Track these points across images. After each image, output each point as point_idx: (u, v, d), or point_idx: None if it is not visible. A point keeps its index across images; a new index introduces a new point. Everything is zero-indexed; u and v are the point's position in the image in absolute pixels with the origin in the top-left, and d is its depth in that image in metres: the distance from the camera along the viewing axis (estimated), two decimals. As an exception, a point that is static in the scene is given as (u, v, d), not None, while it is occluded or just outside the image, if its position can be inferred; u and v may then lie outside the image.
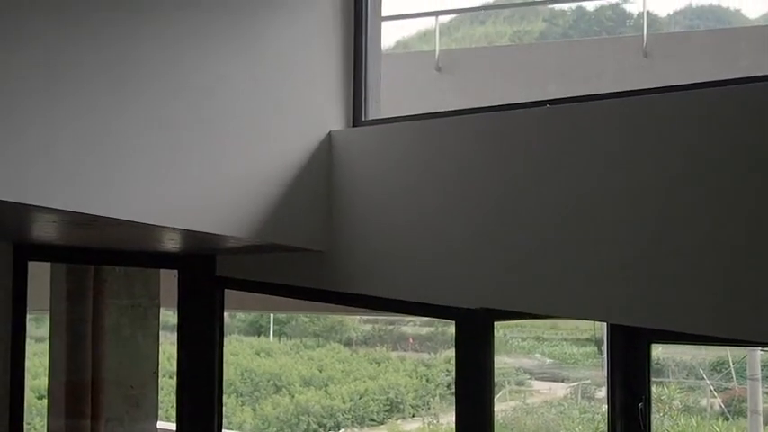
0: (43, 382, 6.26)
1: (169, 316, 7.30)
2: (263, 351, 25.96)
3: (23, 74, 3.08)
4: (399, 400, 23.01)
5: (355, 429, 22.31)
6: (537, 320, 5.37)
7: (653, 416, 4.27)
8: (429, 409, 22.76)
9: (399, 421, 22.69)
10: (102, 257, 5.18)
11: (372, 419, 22.50)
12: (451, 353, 4.28)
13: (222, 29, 4.00)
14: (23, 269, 4.66)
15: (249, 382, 23.60)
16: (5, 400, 4.61)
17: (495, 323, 4.28)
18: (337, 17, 4.65)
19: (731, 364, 20.62)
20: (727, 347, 17.13)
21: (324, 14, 4.60)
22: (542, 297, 3.90)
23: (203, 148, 3.89)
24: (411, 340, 26.94)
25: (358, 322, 26.47)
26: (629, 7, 28.51)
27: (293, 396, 22.81)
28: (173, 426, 5.49)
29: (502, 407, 21.06)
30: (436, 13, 9.50)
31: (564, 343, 25.96)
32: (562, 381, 24.39)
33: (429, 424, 21.91)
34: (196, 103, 3.85)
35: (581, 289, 3.76)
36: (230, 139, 4.04)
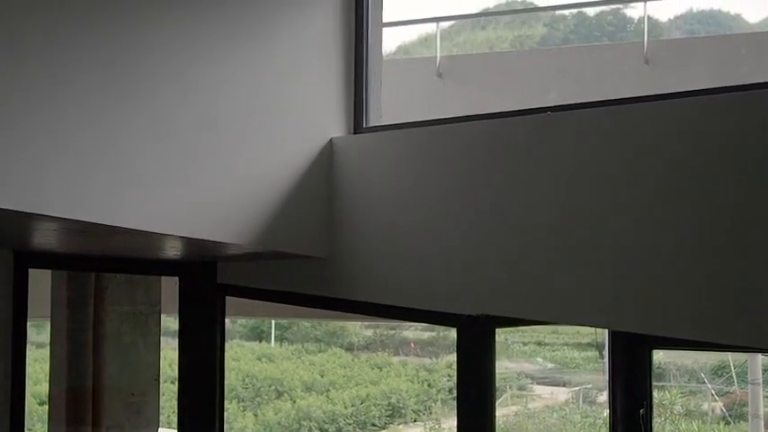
0: (44, 388, 6.26)
1: (170, 321, 7.30)
2: (264, 356, 25.94)
3: (25, 82, 3.08)
4: (401, 405, 22.99)
5: (357, 434, 22.31)
6: (538, 325, 5.37)
7: (654, 420, 4.27)
8: (431, 414, 22.73)
9: (401, 426, 22.67)
10: (102, 265, 5.18)
11: (374, 424, 22.47)
12: (453, 358, 4.28)
13: (223, 37, 4.01)
14: (24, 276, 4.66)
15: (251, 387, 23.58)
16: (6, 406, 4.61)
17: (497, 329, 4.28)
18: (338, 24, 4.65)
19: (732, 368, 20.61)
20: (729, 352, 17.12)
21: (325, 21, 4.60)
22: (543, 304, 3.90)
23: (204, 155, 3.90)
24: (413, 345, 26.93)
25: (359, 327, 26.46)
26: (629, 12, 28.56)
27: (295, 401, 22.79)
28: (174, 432, 5.49)
29: (503, 412, 21.03)
30: (437, 20, 9.50)
31: (565, 347, 25.95)
32: (563, 385, 24.37)
33: (431, 429, 21.89)
34: (197, 110, 3.86)
35: (582, 296, 3.76)
36: (231, 147, 4.04)
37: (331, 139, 4.55)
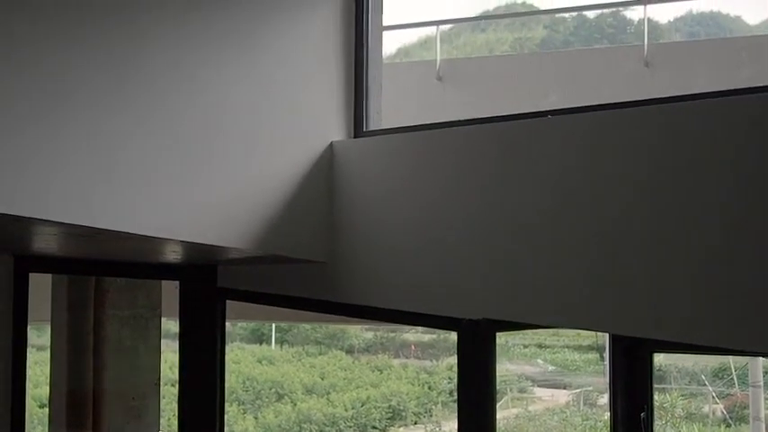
0: (45, 391, 6.26)
1: (171, 323, 7.31)
2: (264, 359, 25.94)
3: (28, 89, 3.08)
4: (401, 408, 22.97)
5: (357, 437, 22.30)
6: (539, 329, 5.36)
7: (655, 423, 4.27)
8: (431, 416, 22.71)
9: (401, 429, 22.66)
10: (103, 269, 5.18)
11: (374, 427, 22.45)
12: (453, 360, 4.30)
13: (223, 42, 4.01)
14: (24, 280, 4.66)
15: (251, 390, 23.57)
16: (7, 410, 4.60)
17: (497, 333, 4.28)
18: (339, 28, 4.65)
19: (733, 370, 20.60)
20: (729, 355, 17.11)
21: (325, 25, 4.61)
22: (544, 308, 3.89)
23: (205, 160, 3.90)
24: (413, 347, 26.94)
25: (360, 330, 26.44)
26: (629, 14, 28.55)
27: (295, 404, 22.78)
28: (174, 435, 5.49)
29: (504, 414, 21.03)
30: (437, 23, 9.50)
31: (566, 350, 25.96)
32: (564, 388, 24.37)
33: (431, 431, 21.88)
34: (198, 116, 3.86)
35: (583, 300, 3.75)
36: (231, 151, 4.04)
37: (331, 143, 4.55)
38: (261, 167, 4.20)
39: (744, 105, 3.46)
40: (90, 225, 3.39)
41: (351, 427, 22.23)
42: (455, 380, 4.43)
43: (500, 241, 4.00)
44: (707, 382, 20.98)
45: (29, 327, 4.77)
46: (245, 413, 22.60)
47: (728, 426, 19.66)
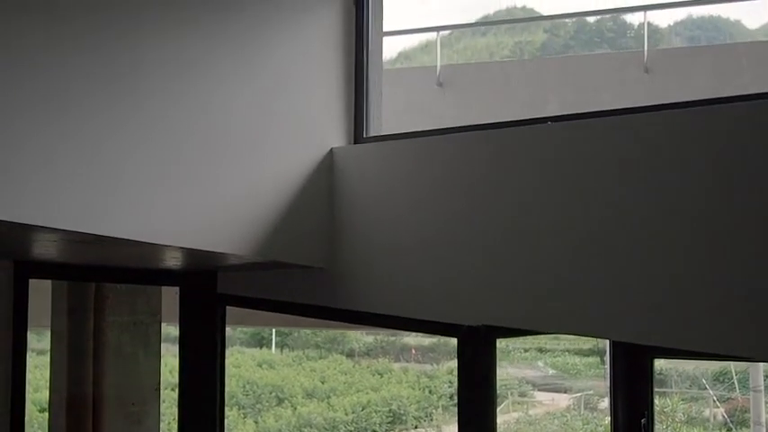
0: (45, 395, 6.26)
1: (171, 328, 7.30)
2: (265, 363, 25.91)
3: (25, 97, 3.08)
4: (402, 412, 22.94)
5: (358, 441, 22.28)
6: (539, 334, 5.38)
7: (656, 427, 4.26)
8: (432, 420, 22.69)
9: (402, 433, 22.65)
10: (103, 275, 5.18)
11: (375, 431, 22.43)
12: (454, 364, 4.29)
13: (223, 48, 4.01)
14: (24, 286, 4.65)
15: (251, 394, 23.54)
16: (6, 417, 4.60)
17: (497, 339, 4.28)
18: (338, 34, 4.65)
19: (734, 374, 20.58)
20: (730, 361, 17.09)
21: (325, 32, 4.61)
22: (544, 314, 3.89)
23: (205, 166, 3.89)
24: (413, 351, 26.91)
25: (360, 334, 26.42)
26: (629, 18, 28.54)
27: (295, 408, 22.74)
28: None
29: (504, 418, 21.01)
30: (437, 29, 9.50)
31: (566, 353, 25.93)
32: (565, 391, 24.34)
33: (432, 435, 21.88)
34: (197, 121, 3.86)
35: (582, 306, 3.75)
36: (231, 158, 4.04)
37: (331, 149, 4.55)
38: (261, 174, 4.20)
39: (744, 111, 3.46)
40: (90, 232, 3.38)
41: (351, 431, 22.21)
42: (456, 384, 4.43)
43: (500, 247, 4.00)
44: (708, 386, 20.96)
45: (28, 332, 4.76)
46: (245, 417, 22.57)
47: (729, 430, 19.63)
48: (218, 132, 3.97)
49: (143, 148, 3.58)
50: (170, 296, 5.48)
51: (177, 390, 5.22)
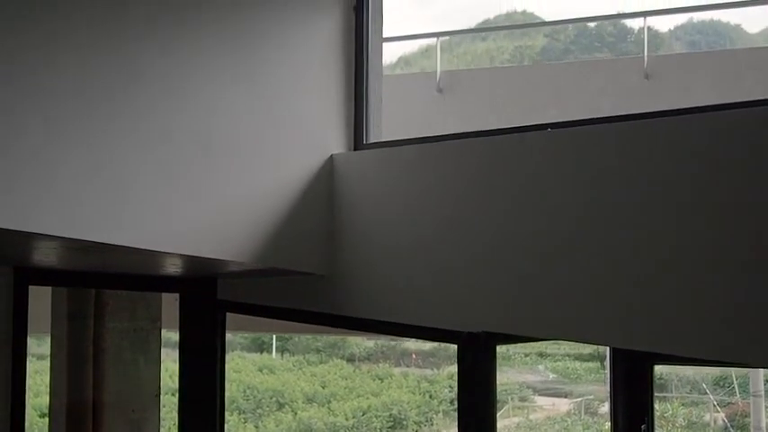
0: (45, 400, 6.26)
1: (171, 333, 7.30)
2: (265, 368, 25.91)
3: (24, 105, 3.08)
4: (402, 417, 22.94)
5: (358, 446, 22.25)
6: (539, 341, 5.39)
7: (656, 432, 4.26)
8: (432, 425, 22.69)
9: (402, 437, 22.64)
10: (103, 281, 5.17)
11: (375, 436, 22.44)
12: (454, 368, 4.28)
13: (222, 54, 4.01)
14: (24, 293, 4.65)
15: (252, 399, 23.54)
16: (6, 423, 4.59)
17: (498, 345, 4.27)
18: (338, 40, 4.66)
19: (734, 379, 20.57)
20: (731, 367, 17.09)
21: (325, 38, 4.61)
22: (544, 321, 3.89)
23: (204, 173, 3.89)
24: (414, 356, 26.90)
25: (361, 338, 26.41)
26: (629, 22, 28.58)
27: (296, 413, 22.75)
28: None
29: (505, 423, 21.01)
30: (437, 35, 9.50)
31: (567, 358, 25.92)
32: (565, 396, 24.34)
33: (432, 440, 21.87)
34: (197, 128, 3.86)
35: (583, 313, 3.74)
36: (231, 165, 4.04)
37: (331, 156, 4.55)
38: (260, 180, 4.20)
39: (745, 118, 3.46)
40: (90, 240, 3.38)
41: (352, 435, 22.21)
42: (456, 388, 4.42)
43: (500, 254, 4.00)
44: (708, 391, 20.96)
45: (28, 337, 4.76)
46: (245, 422, 22.57)
47: (729, 434, 19.64)
48: (218, 139, 3.97)
49: (143, 156, 3.58)
50: (170, 302, 5.48)
51: (177, 395, 5.22)
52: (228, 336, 5.28)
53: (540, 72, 9.63)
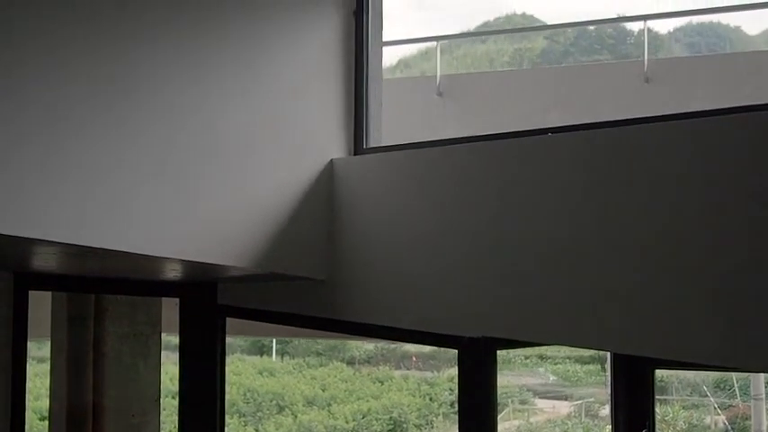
0: (45, 403, 6.26)
1: (172, 336, 7.30)
2: (265, 371, 25.88)
3: (22, 110, 3.08)
4: (403, 420, 22.90)
5: (359, 449, 22.24)
6: (540, 346, 5.40)
7: (657, 436, 4.26)
8: (432, 428, 22.65)
9: (403, 440, 22.61)
10: (103, 286, 5.17)
11: (376, 439, 22.41)
12: (455, 371, 4.29)
13: (223, 60, 4.01)
14: (24, 298, 4.64)
15: (252, 402, 23.51)
16: (6, 426, 4.59)
17: (498, 350, 4.27)
18: (338, 46, 4.65)
19: (735, 381, 20.55)
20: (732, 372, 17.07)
21: (325, 42, 4.61)
22: (544, 326, 3.88)
23: (204, 178, 3.89)
24: (414, 359, 26.86)
25: (361, 341, 26.36)
26: (629, 25, 28.56)
27: (296, 416, 22.72)
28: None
29: (505, 426, 20.97)
30: (437, 38, 9.50)
31: (567, 361, 25.88)
32: (566, 399, 24.30)
33: (433, 443, 21.84)
34: (196, 134, 3.85)
35: (583, 318, 3.74)
36: (231, 169, 4.03)
37: (331, 161, 4.54)
38: (260, 185, 4.19)
39: (746, 122, 3.45)
40: (89, 245, 3.38)
41: (352, 439, 22.19)
42: (456, 391, 4.41)
43: (500, 259, 3.99)
44: (708, 393, 20.93)
45: (28, 341, 4.76)
46: (245, 425, 22.55)
47: (730, 437, 19.62)
48: (217, 144, 3.97)
49: (141, 161, 3.57)
50: (170, 306, 5.47)
51: (178, 400, 5.21)
52: (228, 339, 5.27)
53: (541, 76, 9.62)
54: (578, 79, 8.26)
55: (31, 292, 4.69)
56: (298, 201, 4.35)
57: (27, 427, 4.84)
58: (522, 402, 24.10)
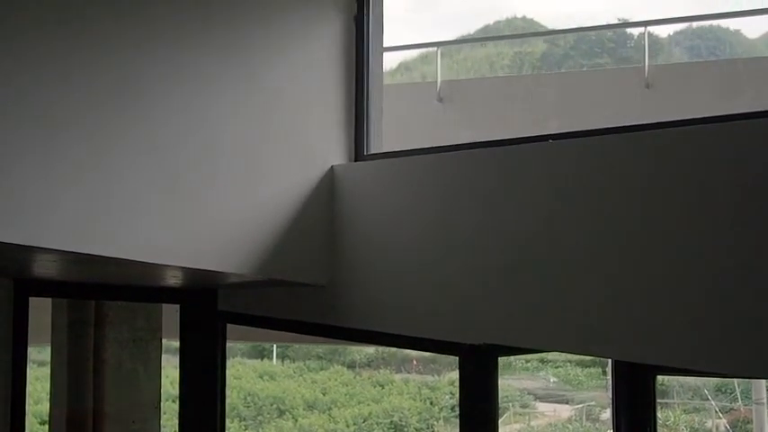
0: (45, 407, 6.25)
1: (172, 341, 7.30)
2: (266, 374, 25.87)
3: (21, 118, 3.07)
4: (404, 424, 22.89)
5: (359, 453, 22.21)
6: (541, 353, 5.41)
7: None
8: (433, 432, 22.65)
9: (404, 445, 22.59)
10: (103, 293, 5.16)
11: (376, 443, 22.39)
12: (455, 375, 4.29)
13: (222, 66, 4.00)
14: (24, 305, 4.64)
15: (252, 406, 23.51)
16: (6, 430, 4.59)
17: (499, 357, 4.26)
18: (339, 50, 4.65)
19: (736, 385, 20.54)
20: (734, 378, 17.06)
21: (326, 48, 4.60)
22: (545, 333, 3.87)
23: (205, 185, 3.88)
24: (415, 362, 26.85)
25: (361, 345, 26.36)
26: (629, 28, 28.59)
27: (296, 420, 22.71)
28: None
29: (506, 429, 20.96)
30: (437, 44, 9.51)
31: (568, 364, 25.87)
32: (567, 402, 24.29)
33: (433, 447, 21.82)
34: (198, 141, 3.85)
35: (584, 326, 3.73)
36: (231, 176, 4.03)
37: (332, 167, 4.54)
38: (261, 192, 4.19)
39: (748, 129, 3.45)
40: (89, 253, 3.37)
41: (353, 443, 22.17)
42: (457, 395, 4.40)
43: (501, 266, 3.98)
44: (710, 397, 20.92)
45: (29, 346, 4.75)
46: (246, 429, 22.55)
47: (732, 441, 19.61)
48: (217, 150, 3.96)
49: (142, 168, 3.57)
50: (170, 311, 5.47)
51: (178, 405, 5.20)
52: (228, 343, 5.27)
53: (541, 82, 9.63)
54: (579, 85, 8.26)
55: (31, 299, 4.69)
56: (298, 207, 4.35)
57: (27, 431, 4.83)
58: (523, 406, 24.09)
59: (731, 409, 20.88)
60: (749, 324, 3.29)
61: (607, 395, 19.32)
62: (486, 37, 32.19)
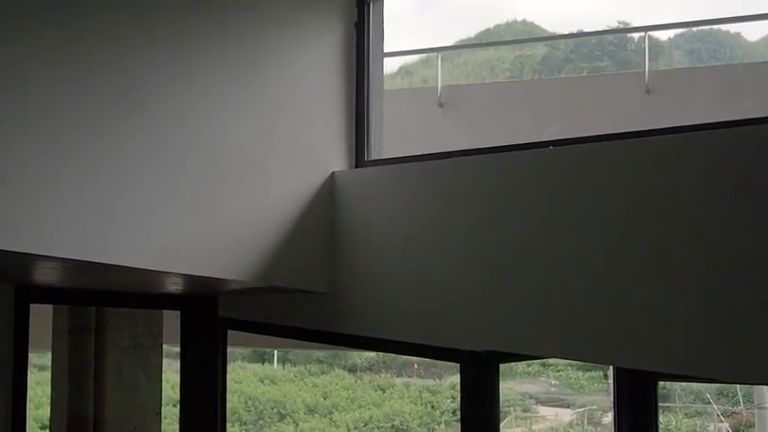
0: (46, 411, 6.26)
1: (173, 346, 7.30)
2: (266, 378, 25.83)
3: (25, 127, 3.08)
4: (404, 428, 22.85)
5: (360, 457, 22.19)
6: (541, 359, 5.40)
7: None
8: (434, 436, 22.62)
9: (405, 449, 22.56)
10: (104, 299, 5.17)
11: (377, 447, 22.36)
12: (457, 378, 4.28)
13: (223, 72, 4.01)
14: (25, 312, 4.64)
15: (253, 410, 23.48)
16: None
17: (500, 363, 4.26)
18: (340, 57, 4.65)
19: (738, 389, 20.50)
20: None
21: (326, 54, 4.61)
22: (547, 340, 3.87)
23: (205, 191, 3.89)
24: (416, 366, 26.81)
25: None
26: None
27: (297, 424, 22.68)
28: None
29: (508, 433, 20.93)
30: (438, 50, 9.51)
31: (569, 368, 25.83)
32: (568, 406, 24.25)
33: (434, 451, 21.79)
34: (197, 147, 3.85)
35: (585, 332, 3.73)
36: (232, 183, 4.03)
37: (332, 173, 4.54)
38: (261, 199, 4.19)
39: (748, 135, 3.45)
40: (90, 260, 3.38)
41: (354, 447, 22.15)
42: (458, 399, 4.40)
43: (502, 273, 3.98)
44: (711, 401, 20.89)
45: (30, 352, 4.75)
46: (247, 433, 22.52)
47: (734, 445, 19.57)
48: (218, 157, 3.97)
49: (142, 175, 3.57)
50: (171, 317, 5.47)
51: (179, 409, 5.20)
52: (229, 347, 5.27)
53: (542, 87, 9.62)
54: (580, 90, 8.26)
55: (32, 307, 4.69)
56: (299, 214, 4.35)
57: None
58: (525, 410, 24.05)
59: (733, 412, 20.84)
60: (750, 331, 3.29)
61: (609, 399, 19.29)
62: (486, 42, 32.19)
